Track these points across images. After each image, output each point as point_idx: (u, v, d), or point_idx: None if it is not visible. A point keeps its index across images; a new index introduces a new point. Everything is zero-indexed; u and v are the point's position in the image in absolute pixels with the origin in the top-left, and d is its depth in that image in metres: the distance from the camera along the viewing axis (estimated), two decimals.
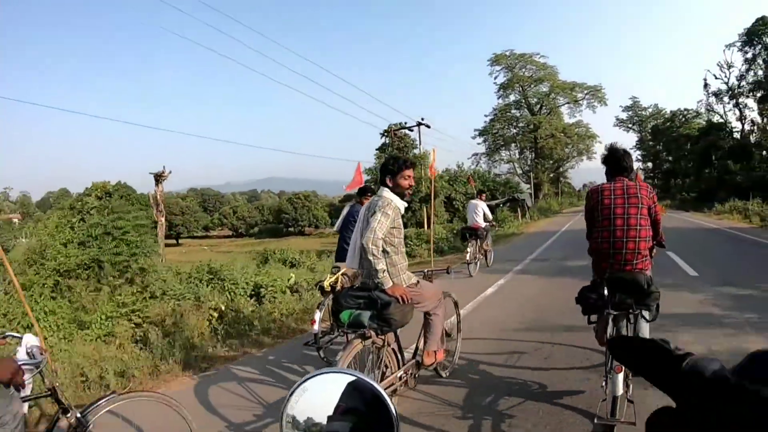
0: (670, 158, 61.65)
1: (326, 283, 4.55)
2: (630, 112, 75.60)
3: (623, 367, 2.85)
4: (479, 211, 9.97)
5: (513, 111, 59.26)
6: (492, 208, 23.44)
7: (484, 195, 10.82)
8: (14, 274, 3.70)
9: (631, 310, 3.18)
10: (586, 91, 57.28)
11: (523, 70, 58.03)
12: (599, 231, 3.41)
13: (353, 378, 0.84)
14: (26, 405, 2.24)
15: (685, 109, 58.71)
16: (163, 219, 21.89)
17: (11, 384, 1.92)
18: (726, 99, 41.51)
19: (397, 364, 3.34)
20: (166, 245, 18.51)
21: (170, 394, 3.21)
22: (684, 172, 56.23)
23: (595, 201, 3.46)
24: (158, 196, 17.74)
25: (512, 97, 59.42)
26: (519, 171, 57.57)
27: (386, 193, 3.39)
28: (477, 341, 5.22)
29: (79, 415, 2.22)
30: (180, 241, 63.79)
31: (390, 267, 3.30)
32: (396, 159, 3.49)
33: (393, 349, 3.32)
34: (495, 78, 58.48)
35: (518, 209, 30.85)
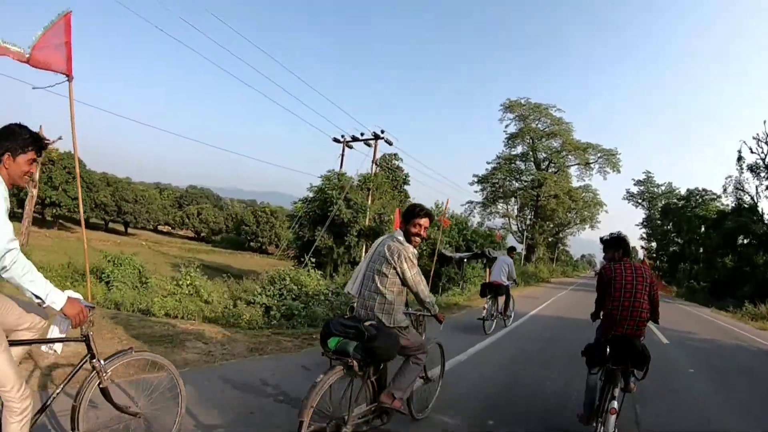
0: (680, 240, 56.84)
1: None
2: (642, 187, 71.90)
3: (617, 410, 3.56)
4: (506, 268, 10.00)
5: (518, 162, 54.76)
6: (457, 262, 19.18)
7: (515, 252, 11.01)
8: None
9: (626, 367, 3.72)
10: (599, 154, 52.98)
11: (537, 122, 54.00)
12: (612, 301, 4.04)
13: None
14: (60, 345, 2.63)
15: (704, 189, 54.27)
16: (35, 191, 18.12)
17: (76, 321, 2.40)
18: (763, 175, 35.88)
19: (373, 398, 3.42)
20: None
21: None
22: (693, 257, 51.27)
23: (610, 277, 4.10)
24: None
25: (520, 149, 55.18)
26: (514, 228, 52.61)
27: (400, 236, 3.58)
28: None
29: (102, 361, 2.64)
30: (134, 231, 58.53)
31: (387, 304, 3.45)
32: (413, 206, 3.65)
33: (372, 383, 3.38)
34: (506, 126, 54.46)
35: (487, 269, 25.67)
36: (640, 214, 68.00)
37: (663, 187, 69.37)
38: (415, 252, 3.54)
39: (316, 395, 2.83)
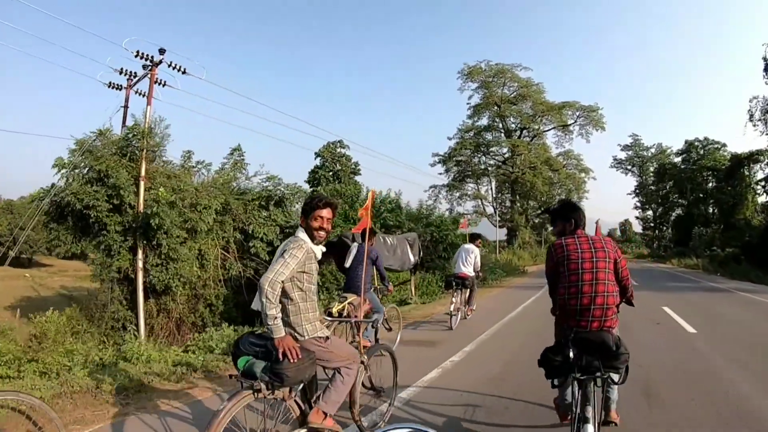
0: (684, 202, 48.87)
1: (334, 310, 5.31)
2: (630, 152, 65.17)
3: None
4: (471, 258, 9.21)
5: (485, 135, 46.41)
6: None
7: (480, 240, 10.23)
8: None
9: (599, 374, 2.93)
10: (578, 113, 44.77)
11: (502, 88, 45.83)
12: (566, 287, 3.21)
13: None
14: None
15: (705, 138, 46.33)
16: None
17: None
18: None
19: (302, 419, 3.09)
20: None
21: None
22: (704, 219, 43.22)
23: (561, 255, 3.28)
24: None
25: (486, 120, 46.94)
26: (489, 211, 44.11)
27: (301, 233, 3.17)
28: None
29: None
30: (34, 259, 48.61)
31: (293, 315, 3.05)
32: (311, 198, 3.31)
33: (296, 402, 3.05)
34: (469, 98, 46.37)
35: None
36: (631, 182, 61.15)
37: (653, 149, 63.22)
38: (321, 249, 3.22)
39: (218, 426, 2.49)
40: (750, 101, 27.94)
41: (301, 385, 3.04)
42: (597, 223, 9.89)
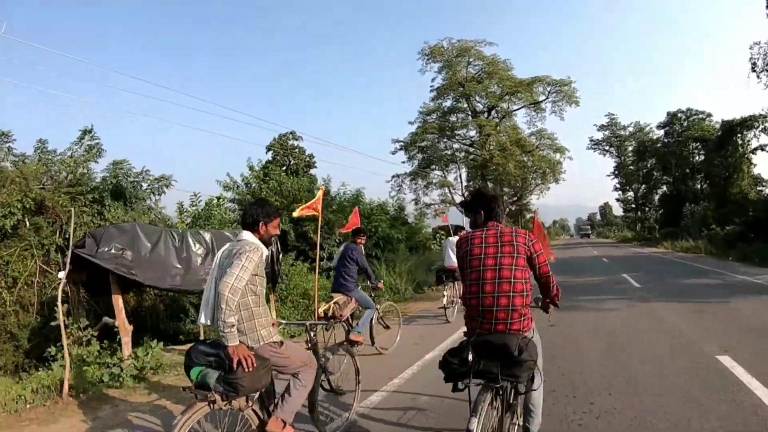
0: (669, 179, 45.04)
1: (320, 310, 5.57)
2: (606, 131, 62.01)
3: None
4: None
5: (450, 117, 41.89)
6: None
7: (464, 232, 8.33)
8: None
9: (496, 382, 2.68)
10: (549, 88, 40.49)
11: (467, 67, 41.41)
12: (468, 285, 3.02)
13: None
14: None
15: (688, 109, 42.40)
16: None
17: None
18: None
19: (260, 428, 3.06)
20: None
21: None
22: (693, 196, 39.30)
23: (464, 250, 3.07)
24: None
25: (450, 102, 42.48)
26: (457, 199, 39.59)
27: (248, 236, 3.10)
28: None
29: None
30: None
31: (247, 321, 2.96)
32: (272, 206, 3.28)
33: (254, 411, 3.01)
34: (432, 80, 41.85)
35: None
36: (609, 163, 58.21)
37: (630, 128, 60.15)
38: (267, 252, 3.19)
39: None
40: (750, 48, 23.65)
41: (257, 394, 3.00)
42: (535, 212, 9.68)
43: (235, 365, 2.69)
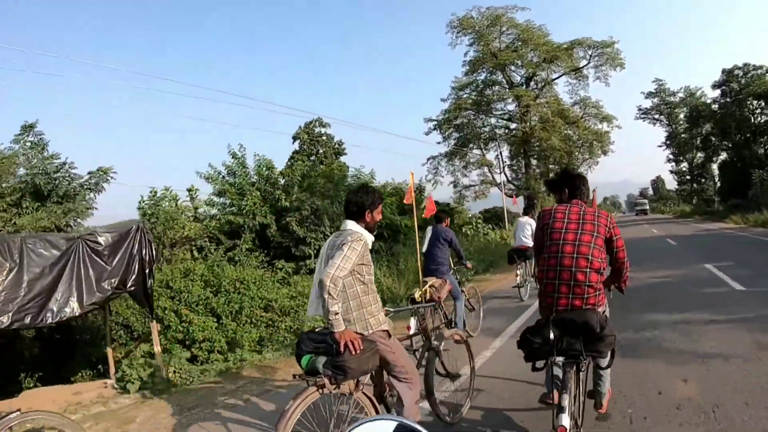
0: (728, 144, 41.32)
1: (417, 295, 5.45)
2: (656, 99, 58.13)
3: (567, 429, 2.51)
4: (528, 230, 9.44)
5: (485, 91, 39.50)
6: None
7: (532, 212, 10.76)
8: None
9: (582, 357, 2.69)
10: (590, 51, 37.62)
11: (500, 38, 38.97)
12: (545, 258, 3.02)
13: (396, 423, 1.00)
14: None
15: (746, 65, 38.59)
16: None
17: None
18: None
19: (375, 412, 3.01)
20: None
21: None
22: (759, 161, 35.73)
23: (545, 222, 3.12)
24: None
25: (483, 76, 40.10)
26: (498, 179, 37.32)
27: (353, 226, 3.10)
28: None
29: None
30: None
31: (356, 310, 2.99)
32: (377, 192, 3.26)
33: (366, 395, 2.98)
34: (465, 54, 39.68)
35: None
36: (660, 133, 54.51)
37: (681, 93, 55.82)
38: (372, 238, 3.17)
39: (287, 424, 2.51)
40: None
41: (367, 378, 3.05)
42: (594, 191, 9.03)
43: (342, 348, 2.70)
